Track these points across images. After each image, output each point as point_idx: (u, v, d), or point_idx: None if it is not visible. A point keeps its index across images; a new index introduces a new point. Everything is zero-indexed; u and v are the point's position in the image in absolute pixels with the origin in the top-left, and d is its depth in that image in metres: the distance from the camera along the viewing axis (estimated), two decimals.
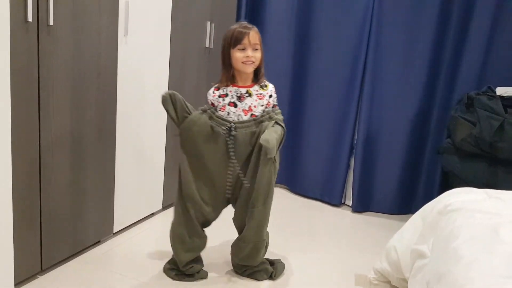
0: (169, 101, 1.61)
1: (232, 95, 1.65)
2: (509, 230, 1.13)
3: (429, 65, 2.55)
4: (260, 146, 1.56)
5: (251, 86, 1.67)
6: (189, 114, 1.63)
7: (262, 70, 1.69)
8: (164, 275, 1.76)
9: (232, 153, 1.62)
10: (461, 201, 1.39)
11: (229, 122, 1.63)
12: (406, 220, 1.70)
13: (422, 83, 2.58)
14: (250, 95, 1.65)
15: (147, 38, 2.03)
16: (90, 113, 1.75)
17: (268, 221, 1.73)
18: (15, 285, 1.53)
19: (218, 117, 1.64)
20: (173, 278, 1.74)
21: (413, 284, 1.35)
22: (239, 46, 1.59)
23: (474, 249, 1.09)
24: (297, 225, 2.45)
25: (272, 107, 1.70)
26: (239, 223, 1.74)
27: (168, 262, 1.81)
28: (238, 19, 2.86)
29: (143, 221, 2.27)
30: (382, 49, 2.59)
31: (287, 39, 2.86)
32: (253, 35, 1.60)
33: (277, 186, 3.12)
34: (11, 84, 1.37)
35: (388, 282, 1.71)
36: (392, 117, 2.65)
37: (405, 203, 2.77)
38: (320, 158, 2.86)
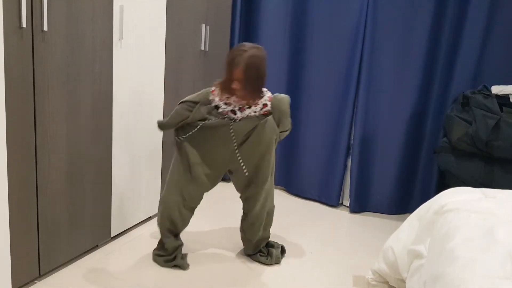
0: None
1: (235, 105, 1.77)
2: (505, 230, 1.13)
3: (424, 65, 2.56)
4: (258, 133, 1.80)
5: None
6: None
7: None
8: (163, 279, 1.77)
9: (234, 142, 1.81)
10: (457, 201, 1.39)
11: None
12: (403, 220, 1.71)
13: (417, 83, 2.59)
14: (249, 106, 1.78)
15: (142, 42, 2.03)
16: (86, 118, 1.75)
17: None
18: None
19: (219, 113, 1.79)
20: (161, 265, 1.86)
21: (411, 285, 1.35)
22: None
23: (470, 249, 1.09)
24: (295, 226, 2.45)
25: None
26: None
27: (157, 248, 1.91)
28: (232, 21, 2.86)
29: (141, 225, 2.27)
30: (377, 49, 2.60)
31: (282, 40, 2.86)
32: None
33: (275, 188, 3.13)
34: (5, 90, 1.38)
35: (386, 282, 1.71)
36: (388, 117, 2.66)
37: (402, 202, 2.78)
38: (317, 159, 2.87)
